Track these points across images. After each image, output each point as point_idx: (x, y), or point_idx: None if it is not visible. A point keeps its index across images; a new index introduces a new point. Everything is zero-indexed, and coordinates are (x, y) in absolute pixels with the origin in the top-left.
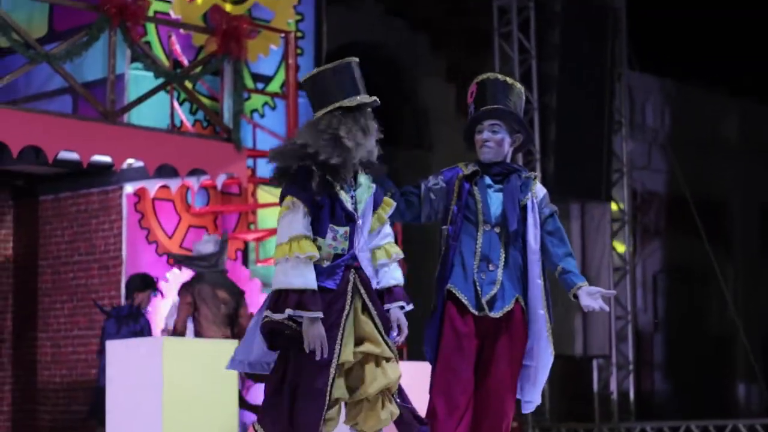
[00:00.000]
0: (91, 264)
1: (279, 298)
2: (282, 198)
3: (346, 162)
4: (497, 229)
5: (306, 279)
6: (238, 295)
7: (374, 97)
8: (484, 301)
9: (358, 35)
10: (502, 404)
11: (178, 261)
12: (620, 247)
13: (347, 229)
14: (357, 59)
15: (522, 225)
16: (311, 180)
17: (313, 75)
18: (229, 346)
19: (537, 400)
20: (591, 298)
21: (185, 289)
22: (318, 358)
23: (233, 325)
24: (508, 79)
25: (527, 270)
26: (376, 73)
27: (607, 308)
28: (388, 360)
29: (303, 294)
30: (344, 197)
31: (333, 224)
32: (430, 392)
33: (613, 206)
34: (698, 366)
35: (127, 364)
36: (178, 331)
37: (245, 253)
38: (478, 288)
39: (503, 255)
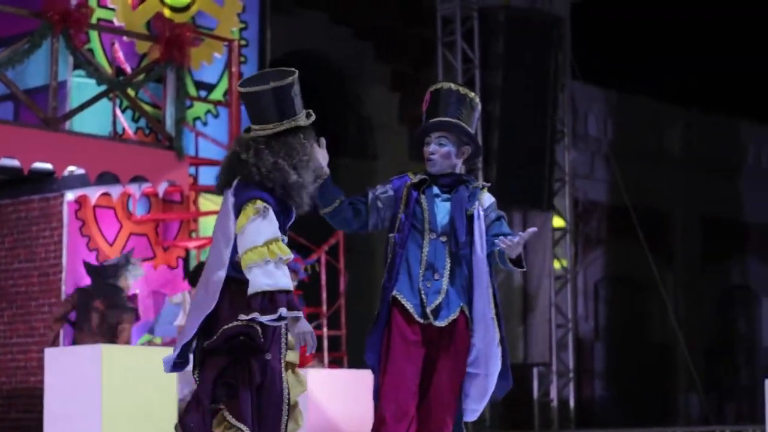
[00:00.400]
0: (31, 271)
1: (265, 300)
2: (246, 201)
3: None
4: (443, 238)
5: (289, 280)
6: (122, 310)
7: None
8: (428, 309)
9: (302, 43)
10: (443, 414)
11: (87, 269)
12: (562, 256)
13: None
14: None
15: (469, 235)
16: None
17: (272, 88)
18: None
19: (482, 407)
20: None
21: (73, 293)
22: (310, 352)
23: (114, 336)
24: (461, 89)
25: (473, 279)
26: (320, 82)
27: (532, 230)
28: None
29: (289, 294)
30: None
31: (282, 233)
32: (377, 399)
33: (555, 217)
34: (639, 374)
35: (66, 372)
36: (53, 329)
37: (186, 261)
38: (424, 296)
39: (449, 264)
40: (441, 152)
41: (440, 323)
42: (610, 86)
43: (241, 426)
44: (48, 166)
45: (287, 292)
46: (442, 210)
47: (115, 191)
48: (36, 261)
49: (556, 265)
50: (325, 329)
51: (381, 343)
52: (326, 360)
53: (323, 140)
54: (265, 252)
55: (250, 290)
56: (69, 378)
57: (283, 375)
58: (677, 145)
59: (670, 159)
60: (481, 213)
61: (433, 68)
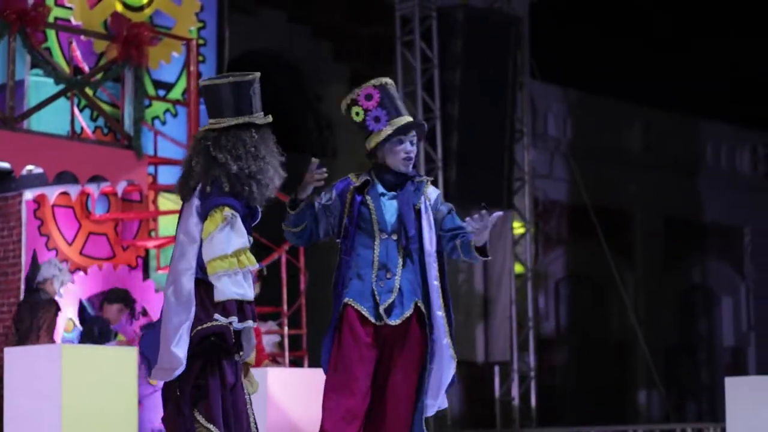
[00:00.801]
0: None
1: (239, 307)
2: (213, 207)
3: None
4: (394, 237)
5: (252, 291)
6: (40, 306)
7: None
8: (381, 309)
9: (260, 42)
10: (399, 411)
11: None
12: (522, 256)
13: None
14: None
15: (418, 229)
16: (244, 192)
17: (232, 82)
18: (130, 353)
19: (441, 403)
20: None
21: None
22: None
23: (23, 339)
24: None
25: (425, 274)
26: (279, 81)
27: (499, 213)
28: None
29: (252, 305)
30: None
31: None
32: (326, 399)
33: (515, 214)
34: (600, 372)
35: (26, 371)
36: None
37: (146, 260)
38: (377, 297)
39: (401, 261)
40: (414, 152)
41: (393, 321)
42: (569, 85)
43: (211, 427)
44: (6, 165)
45: (252, 302)
46: (390, 208)
47: (74, 190)
48: None
49: (517, 265)
50: (285, 328)
51: (332, 346)
52: (287, 359)
53: (315, 161)
54: (234, 262)
55: (220, 297)
56: (29, 377)
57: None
58: (637, 145)
59: (629, 158)
60: (429, 206)
61: (391, 68)
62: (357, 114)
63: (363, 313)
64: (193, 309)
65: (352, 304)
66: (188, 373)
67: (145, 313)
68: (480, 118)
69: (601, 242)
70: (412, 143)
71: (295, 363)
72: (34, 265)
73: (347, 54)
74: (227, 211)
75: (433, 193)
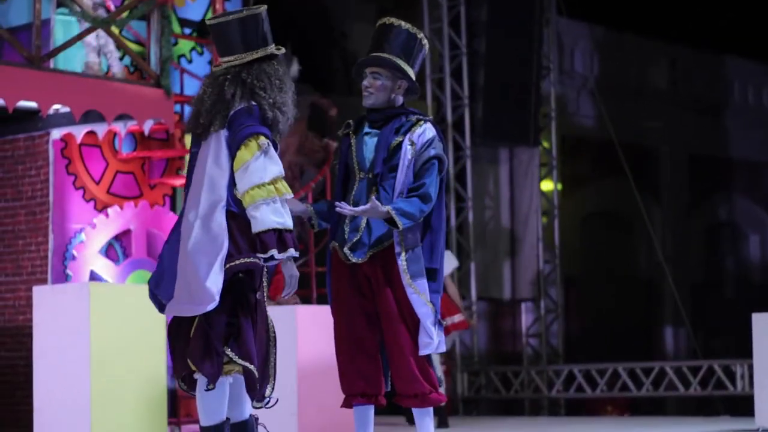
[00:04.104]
0: (17, 210)
1: (275, 237)
2: (248, 136)
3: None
4: (370, 175)
5: (290, 218)
6: None
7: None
8: (346, 247)
9: None
10: (400, 347)
11: None
12: (549, 191)
13: None
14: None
15: (386, 167)
16: (271, 123)
17: (243, 17)
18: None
19: (433, 342)
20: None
21: None
22: (289, 295)
23: None
24: (411, 28)
25: None
26: (305, 19)
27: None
28: None
29: (293, 233)
30: None
31: None
32: (338, 356)
33: (542, 151)
34: (626, 309)
35: (55, 309)
36: None
37: (173, 198)
38: (346, 236)
39: (370, 200)
40: (375, 85)
41: (357, 259)
42: (595, 22)
43: (248, 365)
44: (33, 104)
45: (291, 231)
46: (370, 146)
47: (101, 129)
48: (23, 200)
49: (543, 202)
50: (313, 266)
51: (330, 288)
52: (314, 296)
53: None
54: (272, 190)
55: (260, 227)
56: (57, 316)
57: (267, 312)
58: (663, 82)
59: (656, 95)
60: (408, 147)
61: (418, 5)
62: None
63: (339, 254)
64: (227, 242)
65: (335, 246)
66: (220, 309)
67: None
68: (506, 55)
69: (628, 179)
70: (375, 77)
71: (322, 300)
72: None
73: None
74: (262, 140)
75: (421, 134)
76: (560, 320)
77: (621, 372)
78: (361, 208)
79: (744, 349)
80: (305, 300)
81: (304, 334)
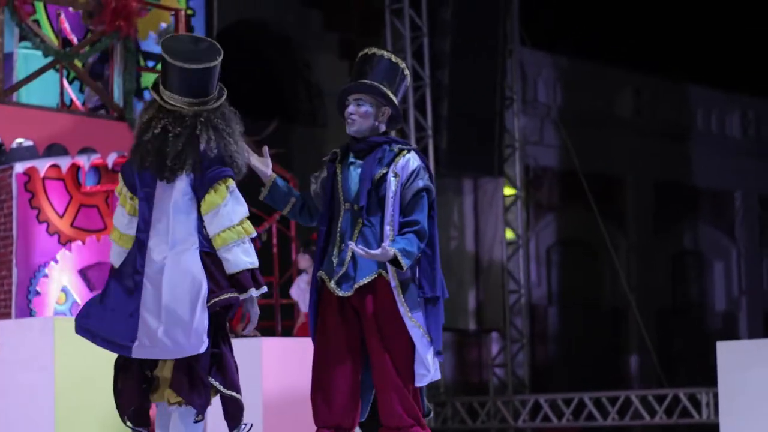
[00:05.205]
0: None
1: (252, 277)
2: (217, 179)
3: None
4: (355, 207)
5: (256, 257)
6: None
7: None
8: (333, 281)
9: (249, 12)
10: (389, 382)
11: None
12: (513, 221)
13: None
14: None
15: (373, 199)
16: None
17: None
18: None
19: (429, 374)
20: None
21: None
22: (249, 331)
23: None
24: (393, 57)
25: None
26: (269, 51)
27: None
28: None
29: (258, 270)
30: None
31: None
32: (312, 393)
33: (506, 185)
34: (592, 338)
35: (18, 344)
36: None
37: None
38: (334, 269)
39: (356, 233)
40: (359, 112)
41: (343, 293)
42: (558, 52)
43: (234, 394)
44: None
45: (257, 269)
46: (354, 177)
47: (64, 163)
48: None
49: (508, 232)
50: (277, 298)
51: (315, 321)
52: (279, 328)
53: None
54: (242, 231)
55: (234, 268)
56: (21, 350)
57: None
58: (627, 110)
59: (620, 124)
60: (391, 178)
61: (381, 36)
62: None
63: (327, 285)
64: (205, 282)
65: (323, 276)
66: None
67: None
68: (470, 86)
69: (593, 208)
70: (358, 104)
71: (287, 332)
72: None
73: (337, 23)
74: (230, 183)
75: (405, 165)
76: (526, 350)
77: (587, 401)
78: (373, 252)
79: (709, 378)
80: (270, 332)
81: (269, 366)
